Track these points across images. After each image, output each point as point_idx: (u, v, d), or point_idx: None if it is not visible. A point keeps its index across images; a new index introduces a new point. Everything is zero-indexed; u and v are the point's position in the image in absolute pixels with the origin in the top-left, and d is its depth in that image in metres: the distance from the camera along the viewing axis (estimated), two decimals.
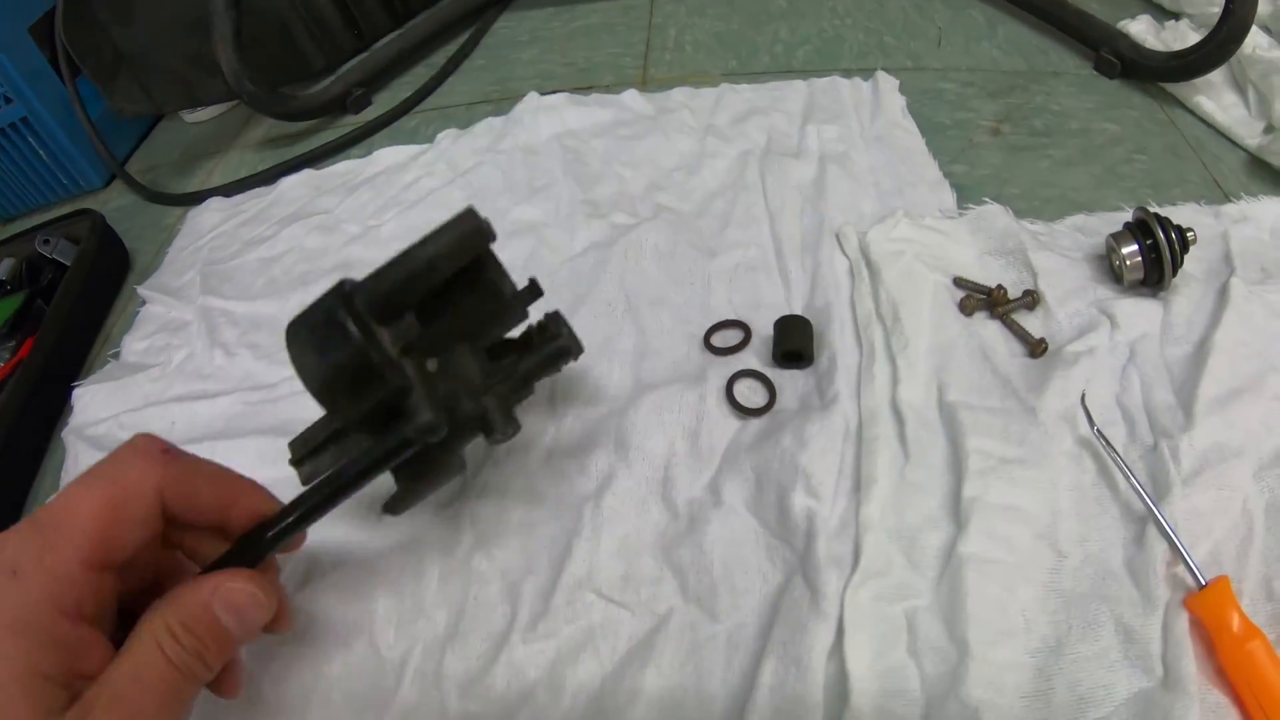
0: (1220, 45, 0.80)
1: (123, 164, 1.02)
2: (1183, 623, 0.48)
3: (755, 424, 0.59)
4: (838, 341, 0.61)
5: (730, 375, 0.60)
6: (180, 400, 0.65)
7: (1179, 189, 0.75)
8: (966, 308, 0.61)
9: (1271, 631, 0.48)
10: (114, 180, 1.03)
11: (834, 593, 0.49)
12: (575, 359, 0.51)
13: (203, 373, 0.67)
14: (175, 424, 0.63)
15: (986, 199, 0.69)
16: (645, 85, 0.93)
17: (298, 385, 0.42)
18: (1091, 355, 0.59)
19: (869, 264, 0.65)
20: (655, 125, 0.84)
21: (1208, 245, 0.69)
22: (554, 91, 0.92)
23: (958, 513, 0.52)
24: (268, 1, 1.02)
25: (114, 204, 0.98)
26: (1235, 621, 0.48)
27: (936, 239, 0.66)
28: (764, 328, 0.63)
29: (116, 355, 0.72)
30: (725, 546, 0.53)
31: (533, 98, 0.90)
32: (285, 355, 0.42)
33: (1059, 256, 0.65)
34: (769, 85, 0.88)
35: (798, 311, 0.64)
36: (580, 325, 0.56)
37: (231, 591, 0.39)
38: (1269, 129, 0.81)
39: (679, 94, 0.89)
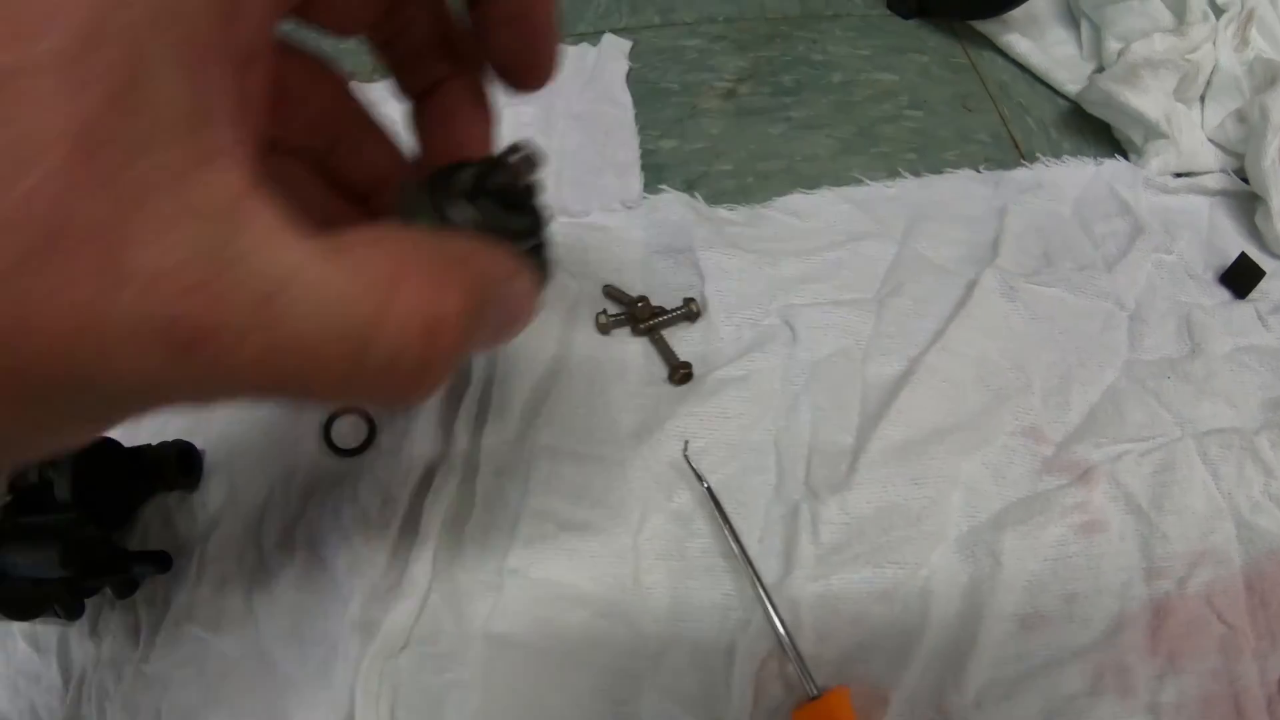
0: None
1: None
2: None
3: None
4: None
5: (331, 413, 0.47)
6: None
7: (955, 151, 0.60)
8: (602, 325, 0.48)
9: None
10: None
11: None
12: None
13: None
14: None
15: (664, 186, 0.55)
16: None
17: None
18: (745, 382, 0.45)
19: None
20: None
21: (974, 225, 0.55)
22: None
23: (501, 585, 0.40)
24: None
25: None
26: None
27: (596, 238, 0.52)
28: None
29: None
30: None
31: None
32: None
33: (744, 253, 0.51)
34: None
35: None
36: None
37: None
38: (1099, 70, 0.66)
39: None
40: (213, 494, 0.44)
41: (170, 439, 0.45)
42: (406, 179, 0.25)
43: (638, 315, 0.47)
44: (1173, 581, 0.41)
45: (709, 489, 0.40)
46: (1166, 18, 0.63)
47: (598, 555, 0.40)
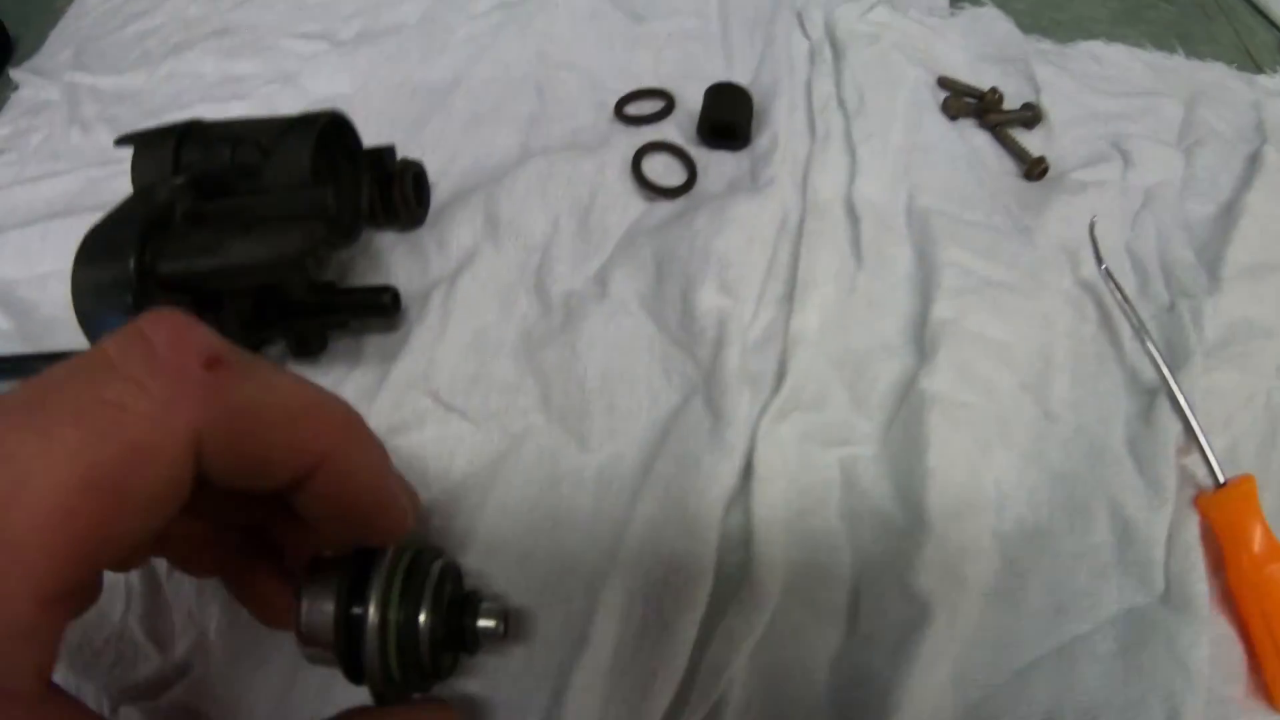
0: None
1: None
2: (1193, 527, 0.35)
3: (665, 207, 0.44)
4: (783, 123, 0.46)
5: (640, 147, 0.45)
6: (25, 183, 0.53)
7: (1207, 47, 0.62)
8: (951, 108, 0.47)
9: None
10: None
11: (743, 420, 0.34)
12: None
13: (57, 153, 0.56)
14: (16, 209, 0.51)
15: (987, 2, 0.55)
16: None
17: None
18: (1101, 189, 0.45)
19: (833, 44, 0.50)
20: None
21: (1237, 109, 0.57)
22: None
23: (923, 339, 0.38)
24: None
25: None
26: (1258, 536, 0.35)
27: (921, 32, 0.51)
28: (692, 100, 0.48)
29: None
30: (607, 352, 0.38)
31: None
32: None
33: (1069, 78, 0.51)
34: None
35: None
36: (471, 89, 0.52)
37: None
38: None
39: None
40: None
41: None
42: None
43: (988, 104, 0.46)
44: None
45: (1107, 271, 0.40)
46: None
47: (1026, 315, 0.39)
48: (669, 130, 0.47)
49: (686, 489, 0.33)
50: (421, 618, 0.26)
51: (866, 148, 0.44)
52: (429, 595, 0.26)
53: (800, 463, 0.34)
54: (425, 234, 0.44)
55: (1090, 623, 0.33)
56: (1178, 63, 0.58)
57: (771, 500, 0.33)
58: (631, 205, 0.44)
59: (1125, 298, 0.40)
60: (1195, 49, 0.61)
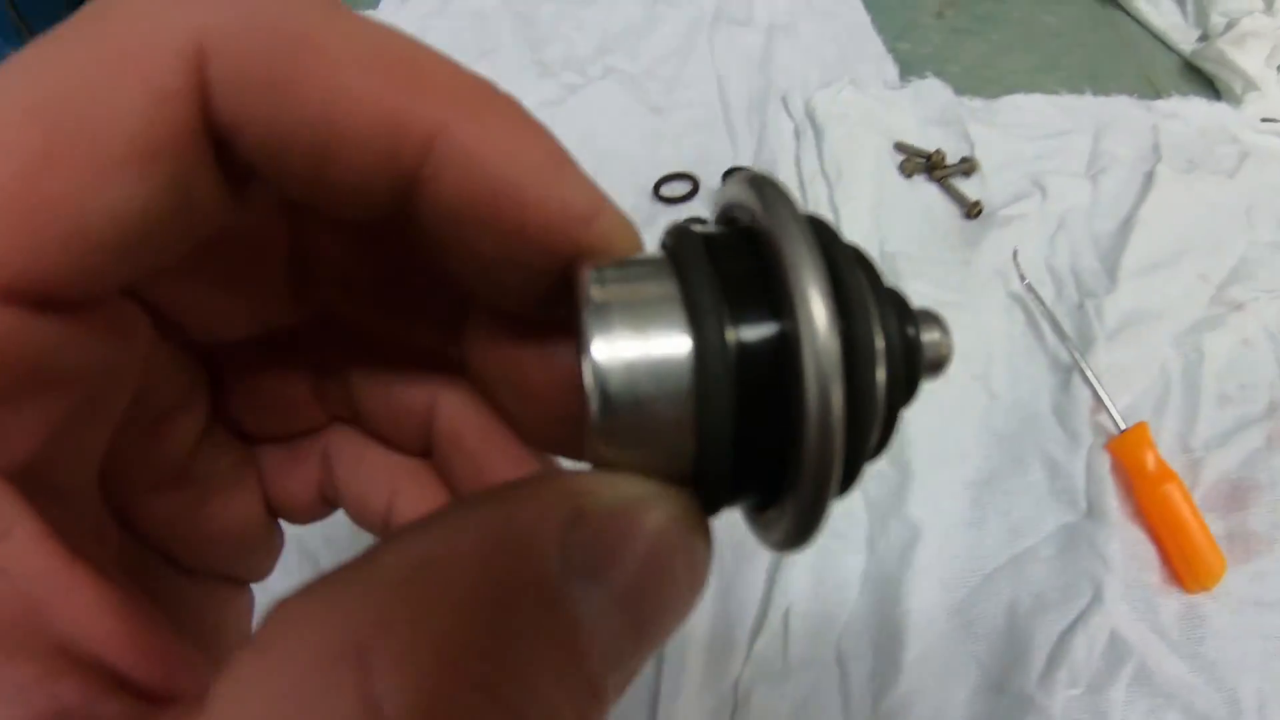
0: None
1: None
2: (1104, 463, 0.50)
3: None
4: None
5: (682, 220, 0.60)
6: None
7: (1114, 83, 0.76)
8: (907, 169, 0.62)
9: (1186, 480, 0.51)
10: None
11: None
12: None
13: None
14: None
15: (928, 74, 0.70)
16: None
17: None
18: (1023, 220, 0.60)
19: (814, 125, 0.65)
20: None
21: (1137, 135, 0.71)
22: None
23: None
24: None
25: None
26: (1151, 462, 0.50)
27: (879, 107, 0.66)
28: (711, 179, 0.63)
29: None
30: None
31: None
32: None
33: (996, 130, 0.66)
34: None
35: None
36: None
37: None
38: (1203, 37, 0.84)
39: None
40: None
41: None
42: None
43: (935, 162, 0.61)
44: None
45: (1029, 285, 0.55)
46: (1259, 1, 0.82)
47: (970, 326, 0.54)
48: (698, 207, 0.62)
49: None
50: (876, 332, 0.14)
51: (847, 209, 0.59)
52: (868, 289, 0.14)
53: None
54: None
55: (1035, 537, 0.47)
56: (1087, 101, 0.73)
57: None
58: None
59: (1043, 303, 0.55)
60: (1103, 86, 0.75)
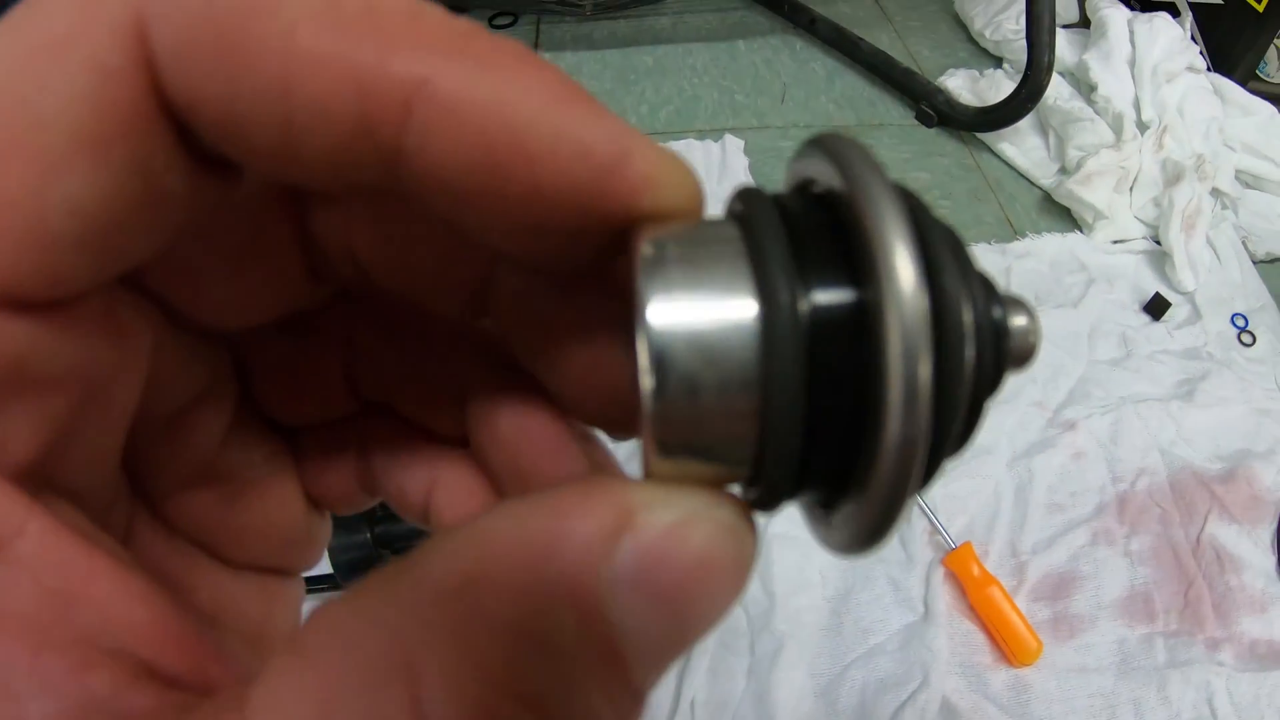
0: (1020, 103, 0.98)
1: None
2: (939, 575, 0.66)
3: None
4: None
5: None
6: None
7: (975, 230, 0.92)
8: None
9: (1014, 579, 0.66)
10: None
11: None
12: None
13: None
14: None
15: None
16: None
17: None
18: None
19: None
20: None
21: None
22: None
23: None
24: None
25: None
26: (976, 571, 0.65)
27: None
28: None
29: None
30: None
31: None
32: None
33: None
34: None
35: None
36: None
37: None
38: (1062, 170, 0.99)
39: None
40: None
41: None
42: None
43: None
44: (1127, 484, 0.73)
45: None
46: (1109, 134, 0.97)
47: None
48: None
49: None
50: (965, 308, 0.13)
51: None
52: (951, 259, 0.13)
53: None
54: None
55: (882, 635, 0.63)
56: None
57: None
58: None
59: None
60: (966, 233, 0.91)
